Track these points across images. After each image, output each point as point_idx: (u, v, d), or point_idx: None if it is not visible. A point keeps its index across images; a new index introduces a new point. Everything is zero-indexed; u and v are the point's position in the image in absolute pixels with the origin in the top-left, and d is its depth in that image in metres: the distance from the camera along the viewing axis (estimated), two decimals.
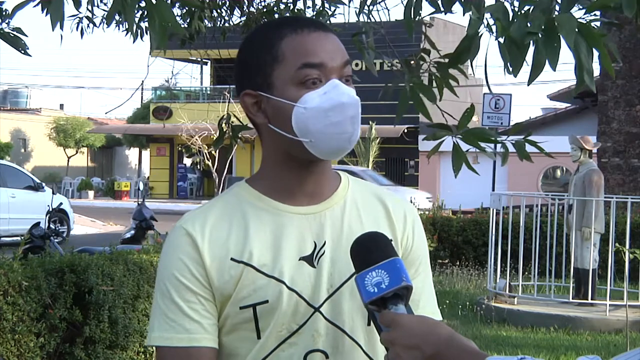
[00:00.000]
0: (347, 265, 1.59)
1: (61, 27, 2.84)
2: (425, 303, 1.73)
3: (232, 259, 1.60)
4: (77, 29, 5.34)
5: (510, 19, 2.48)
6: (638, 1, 2.33)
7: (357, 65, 22.60)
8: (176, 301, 1.60)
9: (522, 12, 2.48)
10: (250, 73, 1.64)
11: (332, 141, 1.59)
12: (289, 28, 1.62)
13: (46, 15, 2.83)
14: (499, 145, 3.22)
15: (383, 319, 1.44)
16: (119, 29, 5.44)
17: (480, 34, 2.66)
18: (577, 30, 2.30)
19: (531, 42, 2.41)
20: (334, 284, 1.63)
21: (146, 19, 4.06)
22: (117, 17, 4.20)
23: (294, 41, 1.60)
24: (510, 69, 2.50)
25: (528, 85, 2.43)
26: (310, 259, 1.63)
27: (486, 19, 2.63)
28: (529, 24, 2.40)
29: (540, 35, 2.37)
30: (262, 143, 1.69)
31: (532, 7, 2.48)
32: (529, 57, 2.43)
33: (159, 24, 2.74)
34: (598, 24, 2.46)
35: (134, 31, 4.50)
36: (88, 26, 5.35)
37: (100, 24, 5.37)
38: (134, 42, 4.51)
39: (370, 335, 1.65)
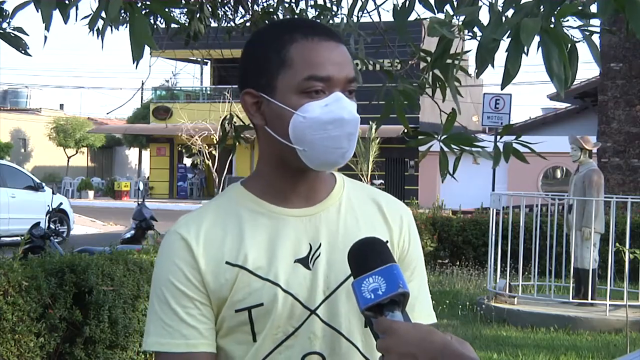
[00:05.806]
0: (343, 267, 1.58)
1: (46, 28, 2.85)
2: (421, 307, 1.72)
3: (227, 262, 1.59)
4: (90, 29, 5.34)
5: (487, 23, 2.46)
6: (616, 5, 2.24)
7: (356, 64, 22.58)
8: (172, 307, 1.59)
9: (504, 15, 2.45)
10: (255, 72, 1.62)
11: (326, 154, 1.58)
12: (300, 33, 1.60)
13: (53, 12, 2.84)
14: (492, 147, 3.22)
15: (379, 326, 1.42)
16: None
17: (454, 39, 2.67)
18: (547, 35, 2.25)
19: (502, 47, 2.40)
20: (330, 286, 1.62)
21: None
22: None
23: (304, 48, 1.58)
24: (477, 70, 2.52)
25: (501, 89, 2.42)
26: (305, 262, 1.62)
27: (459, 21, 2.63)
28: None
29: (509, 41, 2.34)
30: (258, 143, 1.68)
31: (514, 11, 2.44)
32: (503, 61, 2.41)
33: (135, 40, 2.78)
34: (597, 29, 2.43)
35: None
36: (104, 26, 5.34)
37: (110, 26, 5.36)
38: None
39: (368, 337, 1.63)
